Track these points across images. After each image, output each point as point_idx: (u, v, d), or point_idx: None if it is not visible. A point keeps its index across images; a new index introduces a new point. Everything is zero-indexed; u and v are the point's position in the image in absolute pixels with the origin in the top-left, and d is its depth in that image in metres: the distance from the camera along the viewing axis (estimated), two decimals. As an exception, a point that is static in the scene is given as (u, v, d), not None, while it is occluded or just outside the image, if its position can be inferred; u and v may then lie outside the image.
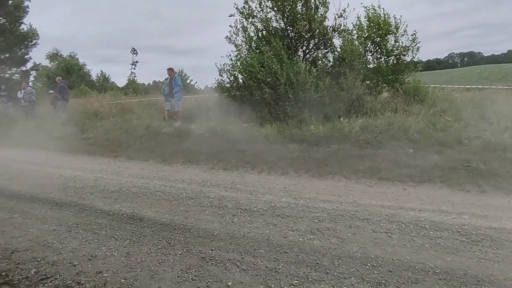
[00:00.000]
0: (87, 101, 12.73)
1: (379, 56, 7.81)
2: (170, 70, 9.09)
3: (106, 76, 30.21)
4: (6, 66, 18.23)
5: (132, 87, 25.53)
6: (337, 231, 3.08)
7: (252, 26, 8.20)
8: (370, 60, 7.95)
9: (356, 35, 7.77)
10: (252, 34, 8.21)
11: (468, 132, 5.31)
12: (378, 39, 7.55)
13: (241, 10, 8.09)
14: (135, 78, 29.65)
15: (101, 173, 5.47)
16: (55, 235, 3.15)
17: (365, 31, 7.68)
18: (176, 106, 8.79)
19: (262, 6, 7.98)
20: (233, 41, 8.41)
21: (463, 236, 2.93)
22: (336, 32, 7.91)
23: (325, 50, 8.21)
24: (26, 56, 18.82)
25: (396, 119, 6.00)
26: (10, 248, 2.90)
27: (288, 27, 7.89)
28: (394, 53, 7.60)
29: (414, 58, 7.62)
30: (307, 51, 8.16)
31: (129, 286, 2.31)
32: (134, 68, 29.88)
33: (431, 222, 3.21)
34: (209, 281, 2.35)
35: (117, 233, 3.14)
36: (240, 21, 8.21)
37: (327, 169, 5.04)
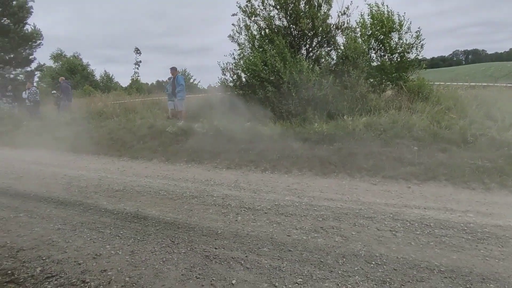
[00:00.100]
0: (91, 101, 12.81)
1: (382, 53, 7.76)
2: (173, 70, 9.10)
3: (110, 76, 30.32)
4: (11, 67, 18.38)
5: (136, 87, 25.64)
6: (341, 229, 3.07)
7: (255, 24, 8.19)
8: (373, 58, 7.91)
9: (360, 33, 7.72)
10: (255, 32, 8.20)
11: (473, 130, 5.26)
12: (382, 36, 7.50)
13: (244, 9, 8.07)
14: (139, 78, 29.78)
15: (105, 172, 5.49)
16: (60, 234, 3.17)
17: (369, 28, 7.63)
18: (179, 105, 8.80)
19: (265, 5, 7.96)
20: (236, 40, 8.42)
21: (468, 234, 2.91)
22: (340, 30, 7.87)
23: (329, 48, 8.18)
24: (30, 57, 18.96)
25: (400, 117, 5.97)
26: (15, 247, 2.92)
27: (291, 25, 7.87)
28: (398, 51, 7.55)
29: (418, 55, 7.57)
30: (310, 49, 8.14)
31: (134, 285, 2.32)
32: (137, 68, 29.99)
33: (436, 220, 3.19)
34: (213, 279, 2.36)
35: (122, 232, 3.15)
36: (243, 20, 8.20)
37: (330, 167, 5.03)
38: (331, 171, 4.93)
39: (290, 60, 7.08)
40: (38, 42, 18.70)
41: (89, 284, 2.34)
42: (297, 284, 2.27)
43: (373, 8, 7.62)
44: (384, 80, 7.80)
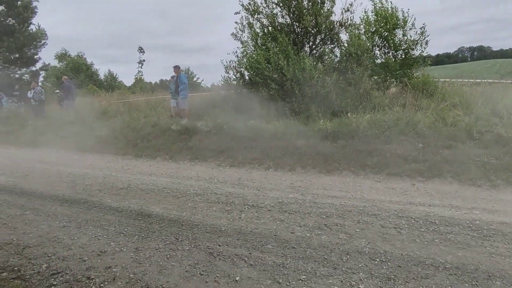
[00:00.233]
0: (95, 100, 12.89)
1: (386, 50, 7.71)
2: (176, 68, 9.10)
3: (114, 75, 30.49)
4: (16, 67, 18.53)
5: (139, 85, 25.76)
6: (345, 226, 3.06)
7: (258, 22, 8.18)
8: (377, 55, 7.86)
9: (363, 30, 7.67)
10: (258, 30, 8.19)
11: (478, 127, 5.20)
12: (386, 33, 7.45)
13: (247, 7, 8.06)
14: (142, 76, 29.91)
15: (110, 171, 5.53)
16: (65, 231, 3.19)
17: (373, 25, 7.58)
18: (182, 104, 8.81)
19: (267, 2, 7.94)
20: (239, 38, 8.41)
21: (474, 231, 2.88)
22: (343, 27, 7.83)
23: (332, 45, 8.15)
24: (35, 56, 19.10)
25: (404, 114, 5.92)
26: (22, 244, 2.95)
27: (294, 23, 7.85)
28: (402, 47, 7.50)
29: (423, 52, 7.51)
30: (313, 46, 8.11)
31: (138, 281, 2.33)
32: (141, 67, 30.14)
33: (441, 217, 3.16)
34: (217, 276, 2.36)
35: (126, 229, 3.17)
36: (245, 18, 8.20)
37: (334, 164, 5.01)
38: (335, 169, 4.92)
39: (293, 57, 7.06)
40: (43, 41, 18.83)
41: (94, 280, 2.35)
42: (301, 281, 2.26)
43: (377, 4, 7.57)
44: (388, 77, 7.76)
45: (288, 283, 2.24)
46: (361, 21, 7.74)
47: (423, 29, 7.34)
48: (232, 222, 3.26)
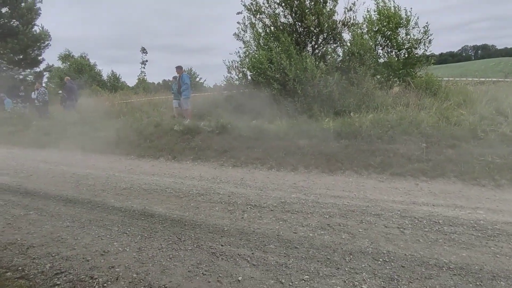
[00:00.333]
0: (99, 100, 12.95)
1: (389, 49, 7.69)
2: (179, 69, 9.13)
3: (117, 76, 30.60)
4: (20, 68, 18.67)
5: (142, 86, 25.84)
6: (348, 226, 3.05)
7: (260, 22, 8.18)
8: (380, 54, 7.83)
9: (366, 29, 7.65)
10: (260, 30, 8.19)
11: (483, 126, 5.17)
12: (389, 32, 7.43)
13: (249, 7, 8.07)
14: (145, 77, 30.01)
15: (113, 171, 5.55)
16: (68, 231, 3.21)
17: (375, 24, 7.55)
18: (185, 104, 8.84)
19: (269, 2, 7.95)
20: (241, 38, 8.42)
21: (478, 231, 2.86)
22: (346, 26, 7.80)
23: (335, 45, 8.13)
24: (39, 58, 19.24)
25: (408, 114, 5.90)
26: (26, 243, 2.97)
27: (296, 22, 7.84)
28: (405, 47, 7.48)
29: (426, 51, 7.48)
30: (316, 46, 8.10)
31: (141, 281, 2.33)
32: (143, 68, 30.23)
33: (445, 217, 3.14)
34: (219, 276, 2.36)
35: (129, 229, 3.18)
36: (248, 18, 8.20)
37: (337, 164, 4.99)
38: (338, 168, 4.90)
39: (295, 57, 7.05)
40: (46, 43, 18.97)
41: (97, 280, 2.36)
42: (303, 281, 2.26)
43: (380, 3, 7.54)
44: (391, 77, 7.73)
45: (290, 283, 2.24)
46: (364, 20, 7.71)
47: (426, 28, 7.32)
48: (235, 222, 3.26)
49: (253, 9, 8.08)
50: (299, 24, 7.82)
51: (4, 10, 17.33)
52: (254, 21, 8.19)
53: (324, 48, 8.15)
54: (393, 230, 2.93)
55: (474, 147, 4.76)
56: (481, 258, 2.45)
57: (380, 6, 7.50)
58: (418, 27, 7.33)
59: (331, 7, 7.74)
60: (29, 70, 19.49)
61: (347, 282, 2.22)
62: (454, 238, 2.74)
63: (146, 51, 30.88)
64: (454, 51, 72.91)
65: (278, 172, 5.10)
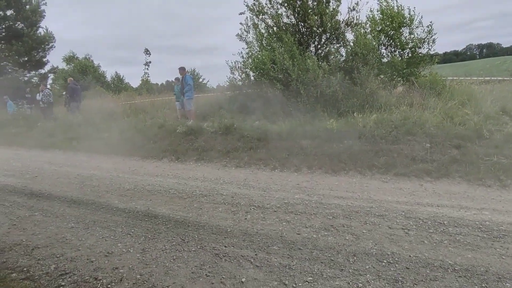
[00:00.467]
0: (103, 102, 13.02)
1: (393, 49, 7.64)
2: (182, 70, 9.15)
3: (121, 77, 30.78)
4: (25, 70, 18.84)
5: (146, 87, 25.95)
6: (351, 227, 3.04)
7: (263, 23, 8.17)
8: (384, 54, 7.79)
9: (369, 29, 7.61)
10: (263, 31, 8.18)
11: (488, 125, 5.12)
12: (392, 32, 7.37)
13: (252, 7, 8.06)
14: (149, 78, 30.14)
15: (117, 172, 5.57)
16: (73, 232, 3.23)
17: (378, 24, 7.51)
18: (188, 105, 8.85)
19: (272, 3, 7.94)
20: (244, 39, 8.42)
21: (484, 232, 2.83)
22: (349, 26, 7.78)
23: (338, 45, 8.10)
24: (43, 59, 19.40)
25: (411, 114, 5.86)
26: (31, 245, 3.00)
27: (299, 23, 7.82)
28: (409, 46, 7.42)
29: (430, 50, 7.42)
30: (319, 46, 8.08)
31: (145, 282, 2.34)
32: (147, 69, 30.38)
33: (449, 218, 3.11)
34: (223, 277, 2.36)
35: (133, 230, 3.19)
36: (250, 19, 8.20)
37: (340, 165, 4.97)
38: (341, 169, 4.88)
39: (298, 57, 7.04)
40: (51, 44, 19.13)
41: (101, 281, 2.37)
42: (307, 283, 2.25)
43: (383, 3, 7.50)
44: (395, 76, 7.68)
45: (294, 285, 2.23)
46: (367, 20, 7.68)
47: (430, 27, 7.25)
48: (238, 223, 3.26)
49: (255, 10, 8.07)
50: (302, 24, 7.80)
51: (9, 12, 17.51)
52: (256, 22, 8.19)
53: (327, 48, 8.13)
54: (398, 231, 2.91)
55: (479, 147, 4.72)
56: (487, 259, 2.42)
57: (383, 6, 7.45)
58: (423, 26, 7.28)
59: (334, 7, 7.71)
60: (34, 72, 19.67)
61: (351, 283, 2.21)
62: (459, 240, 2.72)
63: (149, 52, 31.06)
64: (458, 50, 72.49)
65: (281, 172, 5.09)
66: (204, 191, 4.31)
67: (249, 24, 8.25)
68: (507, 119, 5.32)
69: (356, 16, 7.72)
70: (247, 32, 8.35)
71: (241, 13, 8.24)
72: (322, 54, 8.03)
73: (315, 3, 7.60)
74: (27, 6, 17.94)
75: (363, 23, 7.69)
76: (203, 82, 28.48)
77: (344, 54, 7.90)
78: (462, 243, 2.67)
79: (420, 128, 5.37)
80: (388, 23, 7.34)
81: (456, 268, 2.32)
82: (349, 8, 7.65)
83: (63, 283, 2.37)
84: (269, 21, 8.10)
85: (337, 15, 7.72)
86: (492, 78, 8.45)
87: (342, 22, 7.77)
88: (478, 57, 63.72)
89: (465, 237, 2.76)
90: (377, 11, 7.57)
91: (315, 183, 4.45)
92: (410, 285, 2.17)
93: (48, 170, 5.96)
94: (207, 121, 7.71)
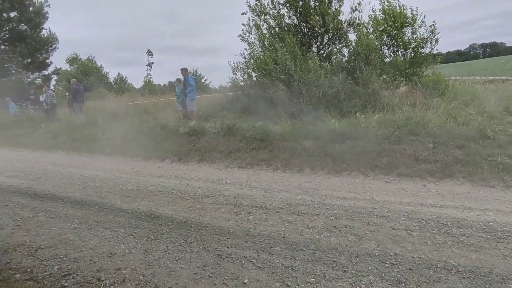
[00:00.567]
0: (106, 102, 13.07)
1: (395, 49, 7.61)
2: (184, 71, 9.17)
3: (123, 78, 30.90)
4: (28, 71, 18.96)
5: (148, 88, 26.03)
6: (354, 228, 3.03)
7: (265, 23, 8.18)
8: (386, 54, 7.76)
9: (372, 29, 7.59)
10: (265, 31, 8.19)
11: (492, 126, 5.09)
12: (394, 32, 7.35)
13: (254, 8, 8.07)
14: (151, 79, 30.22)
15: (119, 173, 5.59)
16: (76, 233, 3.24)
17: (381, 24, 7.49)
18: (190, 106, 8.87)
19: (274, 3, 7.94)
20: (246, 40, 8.43)
21: (488, 233, 2.81)
22: (351, 26, 7.76)
23: (340, 45, 8.09)
24: (47, 61, 19.53)
25: (414, 114, 5.83)
26: (34, 245, 3.01)
27: (301, 23, 7.82)
28: (412, 46, 7.39)
29: (433, 50, 7.38)
30: (321, 46, 8.07)
31: (147, 283, 2.35)
32: (149, 70, 30.46)
33: (453, 219, 3.10)
34: (225, 278, 2.36)
35: (135, 231, 3.20)
36: (252, 19, 8.21)
37: (343, 165, 4.96)
38: (344, 169, 4.87)
39: (300, 58, 7.03)
40: (54, 46, 19.25)
41: (104, 282, 2.38)
42: (309, 284, 2.24)
43: (384, 3, 7.48)
44: (397, 76, 7.65)
45: (297, 286, 2.23)
46: (369, 20, 7.66)
47: (433, 27, 7.22)
48: (240, 223, 3.26)
49: (257, 10, 8.08)
50: (304, 24, 7.80)
51: (12, 14, 17.64)
52: (258, 22, 8.20)
53: (330, 49, 8.12)
54: (401, 232, 2.90)
55: (482, 147, 4.69)
56: (491, 260, 2.41)
57: (385, 6, 7.43)
58: (425, 25, 7.25)
59: (337, 7, 7.71)
60: (37, 73, 19.81)
61: (353, 285, 2.21)
62: (462, 240, 2.70)
63: (151, 53, 31.10)
64: (461, 50, 72.15)
65: (284, 173, 5.08)
66: (207, 191, 4.32)
67: (251, 24, 8.27)
68: (511, 119, 5.29)
69: (358, 16, 7.72)
70: (249, 32, 8.37)
71: (243, 13, 8.26)
72: (324, 55, 8.02)
73: (317, 4, 7.59)
74: (31, 8, 18.07)
75: (366, 23, 7.68)
76: (205, 83, 28.53)
77: (346, 54, 7.90)
78: (466, 244, 2.65)
79: (423, 128, 5.34)
80: (390, 23, 7.32)
81: (459, 269, 2.31)
82: (351, 8, 7.65)
83: (66, 284, 2.38)
84: (271, 22, 8.11)
85: (339, 15, 7.71)
86: (496, 77, 8.40)
87: (344, 22, 7.76)
88: (481, 56, 63.36)
89: (468, 238, 2.74)
90: (379, 11, 7.55)
91: (317, 184, 4.44)
92: (413, 286, 2.16)
93: (51, 171, 6.00)
94: (209, 121, 7.72)
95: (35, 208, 4.01)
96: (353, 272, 2.35)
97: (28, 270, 2.60)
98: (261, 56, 7.59)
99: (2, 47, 17.90)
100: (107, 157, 7.00)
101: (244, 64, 8.26)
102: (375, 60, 7.07)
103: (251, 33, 8.33)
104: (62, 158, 7.25)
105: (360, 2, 7.55)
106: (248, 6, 8.09)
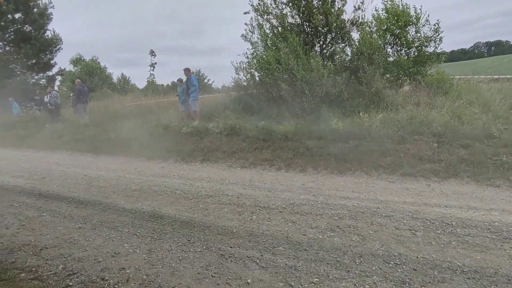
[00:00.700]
0: (109, 103, 13.13)
1: (399, 48, 7.57)
2: (187, 71, 9.19)
3: (127, 78, 31.05)
4: (33, 72, 19.11)
5: (151, 88, 26.12)
6: (358, 228, 3.01)
7: (268, 23, 8.17)
8: (389, 53, 7.72)
9: (375, 28, 7.56)
10: (267, 31, 8.18)
11: (497, 124, 5.05)
12: (398, 30, 7.31)
13: (256, 7, 8.07)
14: (154, 79, 30.32)
15: (123, 173, 5.62)
16: (80, 232, 3.26)
17: (384, 23, 7.45)
18: (193, 106, 8.89)
19: (277, 3, 7.93)
20: (249, 39, 8.42)
21: (493, 233, 2.79)
22: (354, 26, 7.73)
23: (343, 44, 8.06)
24: (51, 62, 19.66)
25: (418, 113, 5.80)
26: (39, 245, 3.03)
27: (304, 22, 7.80)
28: (415, 45, 7.34)
29: (437, 49, 7.34)
30: (324, 45, 8.04)
31: (151, 282, 2.35)
32: (153, 70, 30.57)
33: (458, 219, 3.07)
34: (228, 278, 2.36)
35: (139, 231, 3.21)
36: (255, 19, 8.20)
37: (346, 165, 4.94)
38: (347, 169, 4.85)
39: (303, 57, 7.02)
40: (58, 47, 19.38)
41: (108, 281, 2.39)
42: (313, 284, 2.24)
43: (387, 2, 7.44)
44: (401, 75, 7.61)
45: (300, 286, 2.22)
46: (373, 19, 7.62)
47: (437, 26, 7.17)
48: (244, 223, 3.26)
49: (260, 10, 8.07)
50: (307, 24, 7.78)
51: (17, 16, 17.78)
52: (261, 22, 8.19)
53: (333, 48, 8.09)
54: (405, 232, 2.88)
55: (487, 146, 4.66)
56: (496, 261, 2.38)
57: (388, 5, 7.39)
58: (429, 24, 7.20)
59: (340, 6, 7.68)
60: (41, 74, 19.95)
61: (357, 285, 2.20)
62: (467, 241, 2.68)
63: (155, 54, 31.18)
64: (466, 48, 71.60)
65: (287, 173, 5.08)
66: (210, 191, 4.32)
67: (254, 24, 8.27)
68: (516, 118, 5.24)
69: (362, 15, 7.69)
70: (252, 32, 8.37)
71: (245, 13, 8.26)
72: (327, 54, 8.00)
73: (320, 3, 7.57)
74: (35, 9, 18.20)
75: (369, 22, 7.64)
76: (208, 83, 28.61)
77: (349, 53, 7.87)
78: (471, 244, 2.63)
79: (427, 128, 5.31)
80: (393, 22, 7.28)
81: (464, 270, 2.29)
82: (355, 7, 7.62)
83: (70, 283, 2.40)
84: (274, 21, 8.10)
85: (342, 14, 7.69)
86: (501, 76, 8.31)
87: (348, 21, 7.73)
88: (486, 55, 62.82)
89: (473, 238, 2.72)
90: (382, 10, 7.52)
91: (320, 184, 4.43)
92: (418, 287, 2.14)
93: (56, 171, 6.04)
94: (212, 121, 7.73)
95: (40, 208, 4.04)
96: (356, 272, 2.34)
97: (33, 269, 2.61)
98: (264, 56, 7.59)
99: (7, 48, 18.06)
100: (110, 157, 7.03)
101: (247, 64, 8.27)
102: (379, 59, 7.03)
103: (254, 33, 8.34)
104: (66, 158, 7.30)
105: (363, 1, 7.52)
106: (251, 5, 8.09)
